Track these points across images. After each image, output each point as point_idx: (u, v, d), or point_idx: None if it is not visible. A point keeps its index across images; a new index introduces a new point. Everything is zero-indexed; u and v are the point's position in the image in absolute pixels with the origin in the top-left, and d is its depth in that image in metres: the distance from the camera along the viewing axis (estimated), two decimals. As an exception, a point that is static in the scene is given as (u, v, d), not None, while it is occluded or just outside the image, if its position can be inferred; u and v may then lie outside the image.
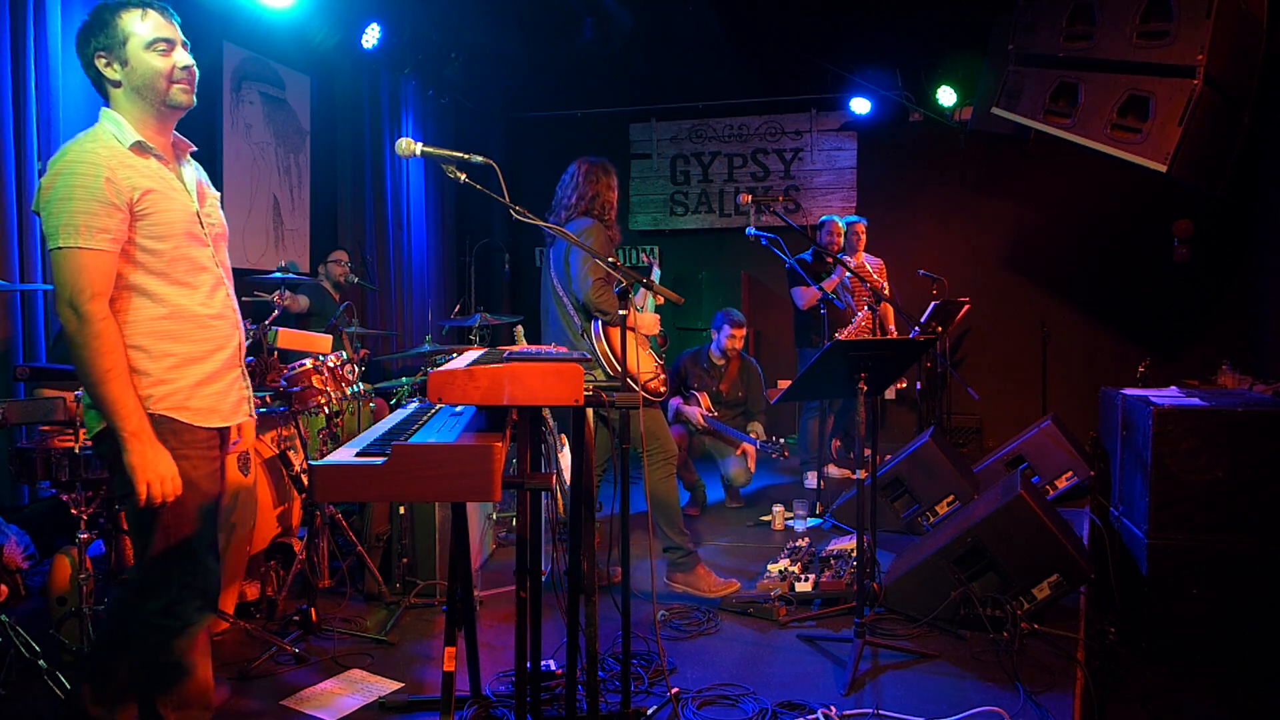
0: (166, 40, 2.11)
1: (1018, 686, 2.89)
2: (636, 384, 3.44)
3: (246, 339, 3.57)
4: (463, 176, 2.46)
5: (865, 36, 7.44)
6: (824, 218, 6.28)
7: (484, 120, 8.32)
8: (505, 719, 2.71)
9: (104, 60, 2.09)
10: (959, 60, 7.24)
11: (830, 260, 5.96)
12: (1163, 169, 4.56)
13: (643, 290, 3.46)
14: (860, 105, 7.68)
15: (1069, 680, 2.94)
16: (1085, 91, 4.82)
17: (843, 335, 5.61)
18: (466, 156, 2.44)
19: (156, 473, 2.03)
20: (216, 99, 5.34)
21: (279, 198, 5.95)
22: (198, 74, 2.19)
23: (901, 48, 7.41)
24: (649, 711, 2.74)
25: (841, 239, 6.15)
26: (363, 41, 6.11)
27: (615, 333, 3.61)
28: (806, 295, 6.03)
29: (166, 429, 2.10)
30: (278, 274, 3.91)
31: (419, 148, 2.44)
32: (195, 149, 2.29)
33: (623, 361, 2.81)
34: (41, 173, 2.10)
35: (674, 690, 2.75)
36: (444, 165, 2.46)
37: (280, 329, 3.71)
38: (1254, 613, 3.29)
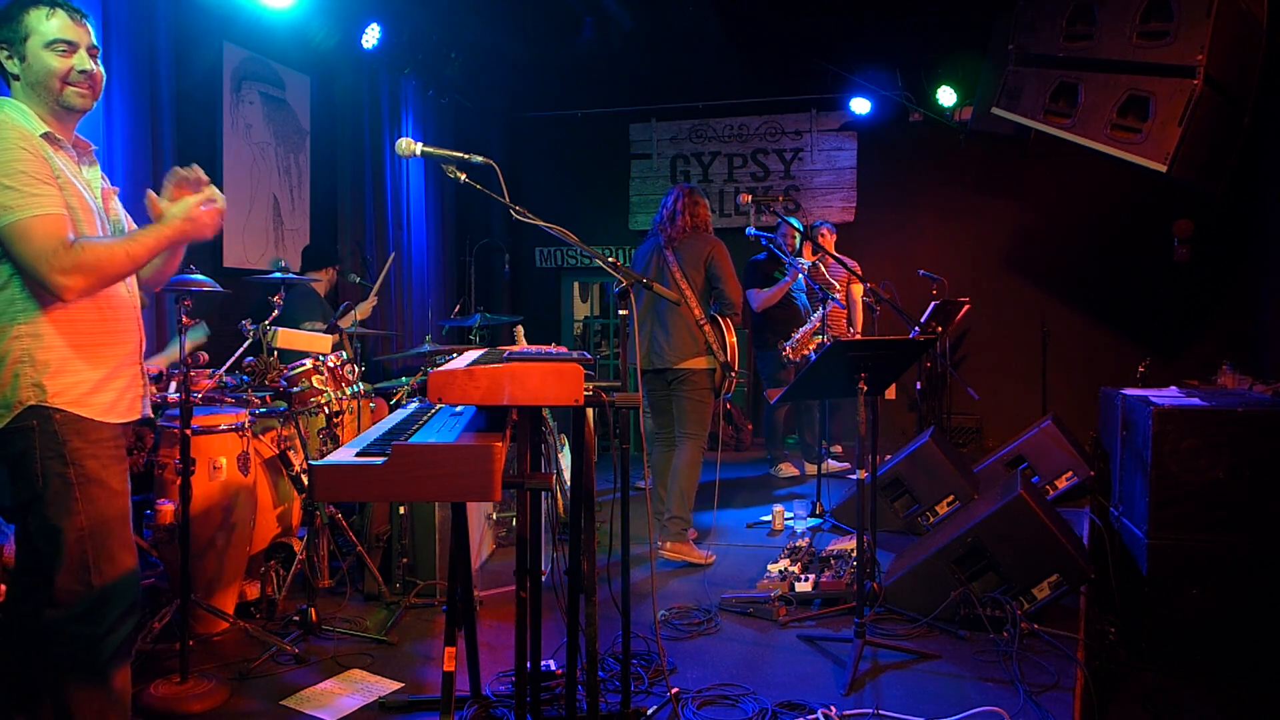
0: (68, 42, 2.11)
1: (1018, 686, 2.89)
2: (737, 376, 4.52)
3: (246, 338, 3.60)
4: (463, 176, 2.46)
5: (865, 36, 7.43)
6: (781, 219, 6.29)
7: (484, 120, 8.32)
8: (505, 719, 2.71)
9: (5, 53, 2.10)
10: (959, 60, 7.23)
11: (785, 261, 5.99)
12: (1163, 169, 4.56)
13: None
14: (860, 105, 7.68)
15: (1069, 680, 2.94)
16: (1085, 91, 4.82)
17: (798, 336, 5.67)
18: (466, 156, 2.44)
19: (188, 212, 2.13)
20: (216, 99, 5.34)
21: (279, 198, 5.95)
22: (103, 80, 2.20)
23: (901, 48, 7.40)
24: (649, 711, 2.74)
25: (796, 242, 6.17)
26: (363, 41, 6.11)
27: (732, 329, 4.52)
28: (762, 298, 6.08)
29: (71, 428, 2.04)
30: (277, 274, 3.91)
31: (419, 148, 2.44)
32: (96, 148, 2.30)
33: (624, 361, 2.83)
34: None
35: (674, 690, 2.75)
36: (444, 165, 2.46)
37: (280, 329, 3.71)
38: (1254, 613, 3.29)
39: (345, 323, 4.49)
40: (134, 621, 2.17)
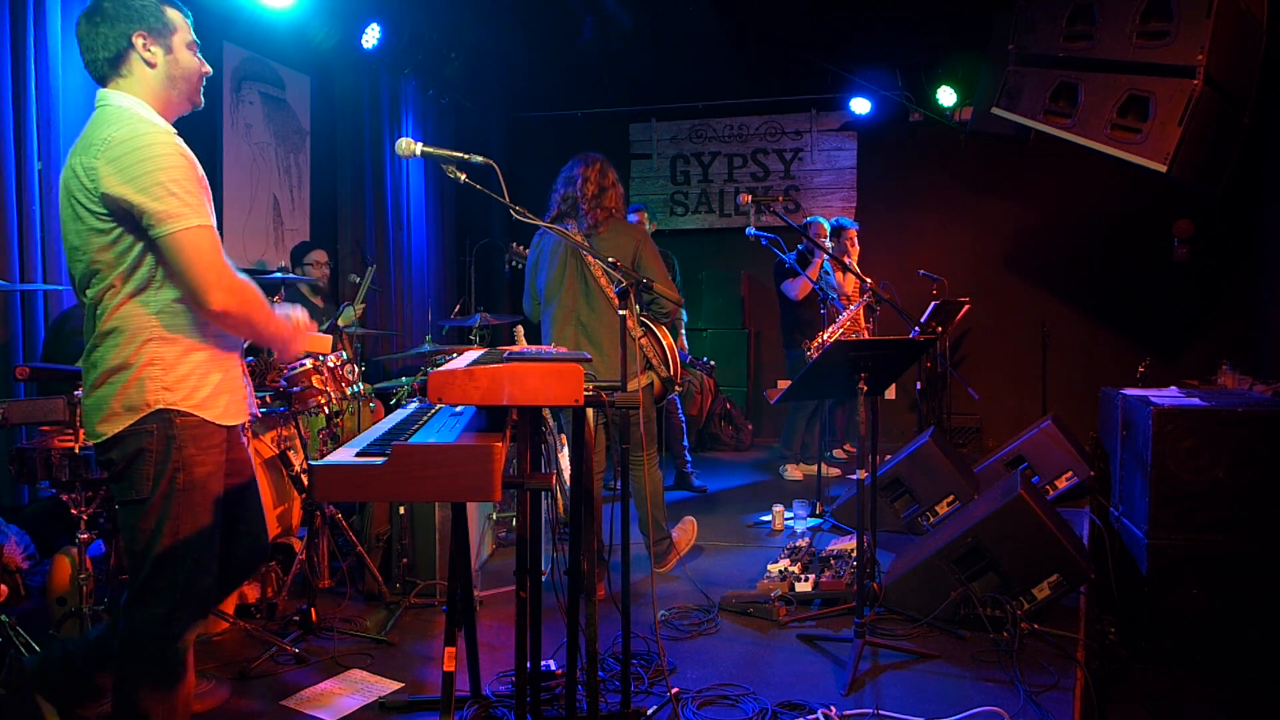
0: (199, 45, 2.20)
1: (1018, 686, 2.89)
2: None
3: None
4: (463, 176, 2.46)
5: (865, 36, 7.44)
6: (809, 219, 6.28)
7: (484, 120, 8.32)
8: (505, 719, 2.71)
9: (144, 40, 2.08)
10: (959, 60, 7.24)
11: (812, 257, 6.00)
12: (1163, 169, 4.56)
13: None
14: (860, 105, 7.68)
15: (1069, 680, 2.94)
16: (1085, 91, 4.82)
17: (825, 337, 5.64)
18: (466, 156, 2.44)
19: (300, 325, 2.25)
20: (216, 99, 5.34)
21: (279, 198, 5.95)
22: None
23: (901, 48, 7.41)
24: (649, 711, 2.74)
25: (826, 240, 6.16)
26: (363, 41, 6.11)
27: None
28: (797, 286, 6.05)
29: (189, 434, 2.07)
30: (278, 274, 3.91)
31: (419, 148, 2.44)
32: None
33: (623, 362, 2.82)
34: (46, 169, 2.09)
35: (674, 690, 2.75)
36: (444, 165, 2.46)
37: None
38: (1254, 613, 3.29)
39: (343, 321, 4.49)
40: (203, 622, 2.22)
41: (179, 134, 2.19)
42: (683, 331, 6.42)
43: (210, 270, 1.99)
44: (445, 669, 2.30)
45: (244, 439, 2.33)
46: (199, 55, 2.19)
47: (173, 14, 2.13)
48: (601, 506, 4.20)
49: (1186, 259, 7.14)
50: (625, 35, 6.95)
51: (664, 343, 3.97)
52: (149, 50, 2.09)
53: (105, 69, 2.09)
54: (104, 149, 1.96)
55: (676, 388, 4.05)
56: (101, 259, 2.02)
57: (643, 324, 3.95)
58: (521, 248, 4.12)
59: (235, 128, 5.53)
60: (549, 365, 2.00)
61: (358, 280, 5.63)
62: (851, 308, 5.75)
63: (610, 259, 3.02)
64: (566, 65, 7.77)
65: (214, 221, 2.04)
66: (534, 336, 4.25)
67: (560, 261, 3.91)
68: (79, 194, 2.00)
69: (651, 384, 3.98)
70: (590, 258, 2.84)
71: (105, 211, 1.98)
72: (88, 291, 2.06)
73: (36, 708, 2.26)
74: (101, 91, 2.10)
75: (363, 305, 5.24)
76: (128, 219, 1.98)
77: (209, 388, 2.11)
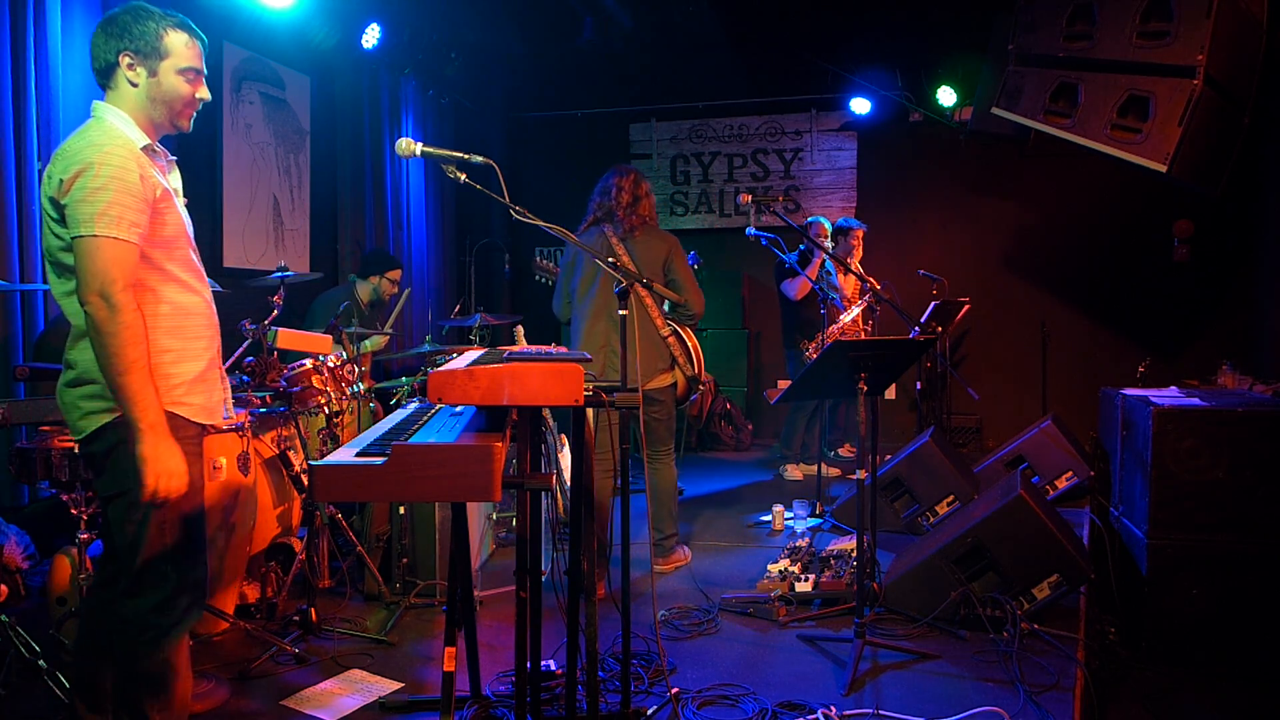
0: (197, 71, 2.22)
1: (1018, 686, 2.89)
2: (701, 381, 4.18)
3: (246, 339, 3.61)
4: (463, 176, 2.46)
5: (865, 36, 7.44)
6: (810, 219, 6.28)
7: (484, 120, 8.32)
8: (505, 719, 2.71)
9: (129, 60, 2.13)
10: (959, 60, 7.24)
11: (813, 257, 6.00)
12: (1163, 169, 4.56)
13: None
14: (860, 105, 7.68)
15: (1069, 680, 2.94)
16: (1085, 91, 4.82)
17: (825, 336, 5.63)
18: (466, 156, 2.44)
19: (168, 467, 2.03)
20: (216, 99, 5.33)
21: (279, 198, 5.95)
22: None
23: (901, 48, 7.41)
24: (649, 711, 2.74)
25: (827, 240, 6.16)
26: (363, 41, 6.11)
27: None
28: (796, 285, 6.04)
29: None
30: (277, 274, 3.91)
31: (419, 148, 2.44)
32: (175, 159, 2.32)
33: (624, 362, 2.83)
34: (43, 167, 2.11)
35: (674, 690, 2.75)
36: (444, 165, 2.46)
37: (280, 329, 3.71)
38: (1254, 613, 3.29)
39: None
40: (198, 614, 2.26)
41: (180, 132, 2.22)
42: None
43: (101, 277, 1.97)
44: (445, 669, 2.30)
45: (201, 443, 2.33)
46: (200, 85, 2.22)
47: (173, 40, 2.16)
48: (610, 502, 4.20)
49: (1186, 259, 7.13)
50: (625, 35, 6.95)
51: (689, 343, 4.11)
52: (133, 70, 2.14)
53: (99, 79, 2.18)
54: (65, 154, 2.03)
55: (700, 386, 4.17)
56: (62, 260, 2.08)
57: (670, 325, 4.08)
58: (547, 263, 4.26)
59: (235, 128, 5.53)
60: (549, 365, 2.00)
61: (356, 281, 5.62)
62: (853, 309, 5.75)
63: (611, 260, 3.02)
64: (566, 65, 7.77)
65: (135, 239, 2.01)
66: (534, 336, 4.27)
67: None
68: (43, 197, 2.08)
69: (675, 383, 4.11)
70: (598, 260, 2.87)
71: (56, 216, 2.04)
72: (54, 290, 2.13)
73: None
74: (95, 104, 2.17)
75: (388, 335, 5.21)
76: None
77: (183, 386, 2.17)
